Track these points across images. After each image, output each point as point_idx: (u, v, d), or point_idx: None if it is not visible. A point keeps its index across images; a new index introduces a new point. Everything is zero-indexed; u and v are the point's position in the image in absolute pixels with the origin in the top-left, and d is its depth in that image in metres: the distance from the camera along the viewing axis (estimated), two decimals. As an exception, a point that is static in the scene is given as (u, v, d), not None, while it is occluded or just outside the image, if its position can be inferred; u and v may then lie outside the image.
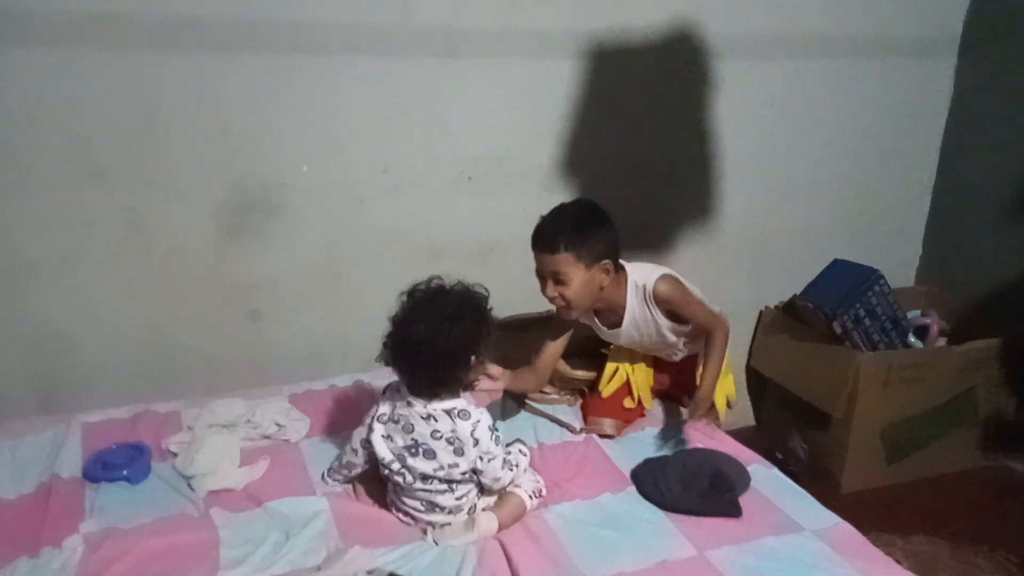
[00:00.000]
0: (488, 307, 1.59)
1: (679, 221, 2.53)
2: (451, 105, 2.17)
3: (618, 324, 1.89)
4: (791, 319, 2.54)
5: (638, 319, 1.87)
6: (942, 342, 2.57)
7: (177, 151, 1.98)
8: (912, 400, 2.38)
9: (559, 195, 2.35)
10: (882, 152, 2.71)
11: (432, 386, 1.55)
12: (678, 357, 2.03)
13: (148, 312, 2.09)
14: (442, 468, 1.55)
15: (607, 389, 2.00)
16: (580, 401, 2.07)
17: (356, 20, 2.01)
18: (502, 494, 1.63)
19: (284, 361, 2.24)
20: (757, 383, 2.72)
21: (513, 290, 2.41)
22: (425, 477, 1.56)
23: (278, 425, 1.89)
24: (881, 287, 2.30)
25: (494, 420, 1.60)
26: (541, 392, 2.06)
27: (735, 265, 2.62)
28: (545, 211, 2.36)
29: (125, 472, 1.70)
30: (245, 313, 2.18)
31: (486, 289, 1.61)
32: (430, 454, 1.55)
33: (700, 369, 1.91)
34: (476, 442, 1.54)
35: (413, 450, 1.56)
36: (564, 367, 2.04)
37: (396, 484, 1.61)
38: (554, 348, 1.95)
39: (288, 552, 1.49)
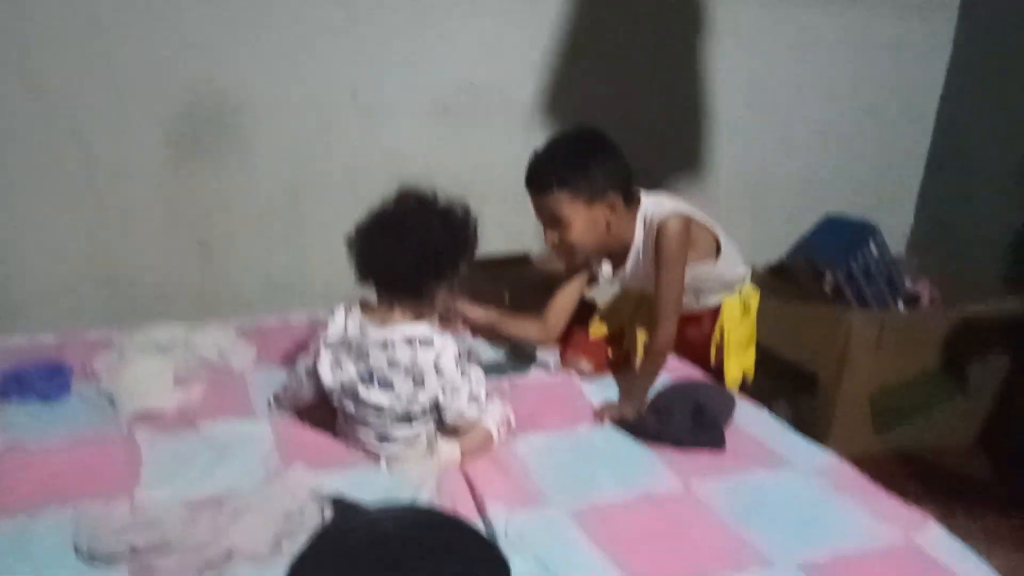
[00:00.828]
0: (476, 234, 1.42)
1: (670, 171, 2.41)
2: (430, 28, 2.03)
3: (620, 265, 1.67)
4: (780, 280, 2.41)
5: (642, 260, 1.64)
6: (933, 313, 2.46)
7: (123, 60, 1.82)
8: (904, 366, 2.26)
9: (542, 133, 2.22)
10: (879, 115, 2.63)
11: (394, 293, 1.37)
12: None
13: (87, 235, 1.92)
14: (399, 400, 1.37)
15: (594, 331, 1.82)
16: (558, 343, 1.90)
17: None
18: (466, 424, 1.45)
19: (236, 297, 2.07)
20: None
21: (491, 234, 2.26)
22: (379, 410, 1.38)
23: (221, 351, 1.70)
24: (877, 242, 2.18)
25: (458, 349, 1.40)
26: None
27: (727, 221, 2.49)
28: (526, 150, 2.23)
29: (41, 390, 1.50)
30: (195, 242, 2.01)
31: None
32: (386, 384, 1.37)
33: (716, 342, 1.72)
34: (439, 372, 1.36)
35: (367, 379, 1.38)
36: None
37: (347, 414, 1.43)
38: (566, 297, 1.71)
39: (220, 474, 1.31)
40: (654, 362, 1.65)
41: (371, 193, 2.08)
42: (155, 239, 1.96)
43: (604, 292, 1.89)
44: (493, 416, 1.46)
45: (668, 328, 1.62)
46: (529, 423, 1.52)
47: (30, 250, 1.88)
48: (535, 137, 2.22)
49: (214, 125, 1.93)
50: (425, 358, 1.35)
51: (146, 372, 1.55)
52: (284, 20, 1.90)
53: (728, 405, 1.55)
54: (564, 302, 1.72)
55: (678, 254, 1.59)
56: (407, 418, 1.39)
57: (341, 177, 2.07)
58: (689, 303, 1.75)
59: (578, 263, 1.69)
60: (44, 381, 1.51)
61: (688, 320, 1.79)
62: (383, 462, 1.39)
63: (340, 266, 2.15)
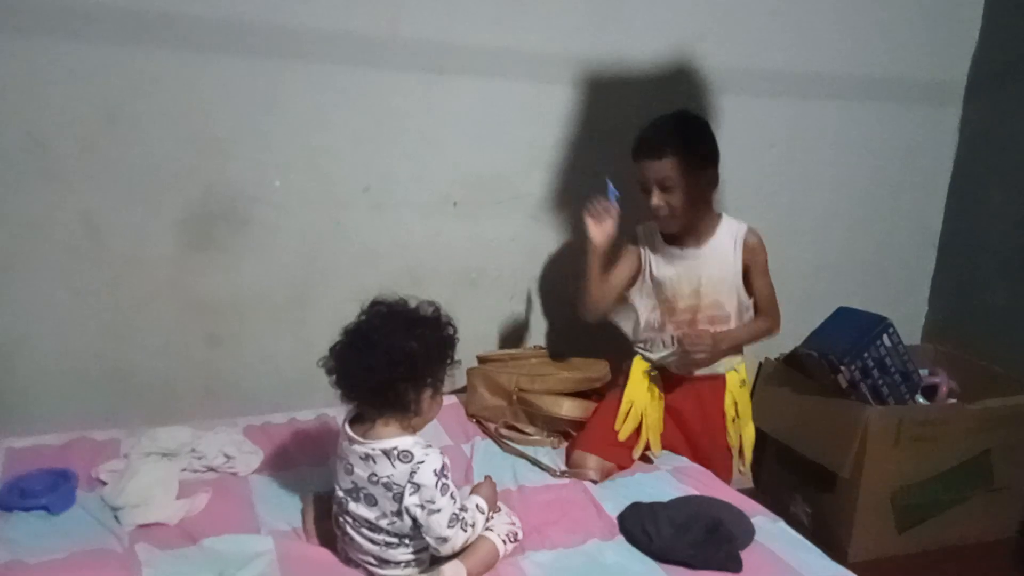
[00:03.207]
0: (454, 333, 1.40)
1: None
2: (438, 123, 2.06)
3: (696, 246, 1.83)
4: (793, 371, 2.38)
5: (723, 254, 1.82)
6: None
7: (140, 153, 1.84)
8: (924, 461, 2.20)
9: (550, 225, 2.24)
10: (888, 201, 2.61)
11: (375, 407, 1.34)
12: (705, 364, 1.85)
13: (96, 328, 1.91)
14: (385, 516, 1.33)
15: (623, 431, 1.80)
16: (565, 444, 1.87)
17: (342, 28, 1.91)
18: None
19: (243, 391, 2.05)
20: (756, 441, 2.53)
21: (497, 323, 2.26)
22: (371, 526, 1.34)
23: (227, 456, 1.69)
24: (891, 336, 2.15)
25: (443, 464, 1.33)
26: (522, 432, 1.88)
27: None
28: (534, 241, 2.25)
29: (44, 501, 1.49)
30: (204, 336, 2.01)
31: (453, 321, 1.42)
32: (371, 500, 1.33)
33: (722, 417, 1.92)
34: (416, 488, 1.30)
35: (354, 495, 1.35)
36: (551, 404, 1.86)
37: (344, 532, 1.39)
38: (618, 279, 1.88)
39: (220, 597, 1.28)
40: (757, 330, 1.88)
41: (379, 286, 2.09)
42: (165, 333, 1.97)
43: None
44: (499, 530, 1.43)
45: (774, 317, 1.88)
46: (536, 536, 1.49)
47: (40, 342, 1.88)
48: (543, 228, 2.25)
49: (227, 220, 1.95)
50: (401, 471, 1.31)
51: (151, 481, 1.52)
52: (299, 122, 1.95)
53: (747, 532, 1.50)
54: (619, 279, 1.87)
55: (766, 260, 1.86)
56: (399, 538, 1.35)
57: (351, 270, 2.08)
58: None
59: (673, 230, 1.82)
60: (49, 493, 1.49)
61: (689, 401, 1.90)
62: (384, 586, 1.35)
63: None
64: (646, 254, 1.88)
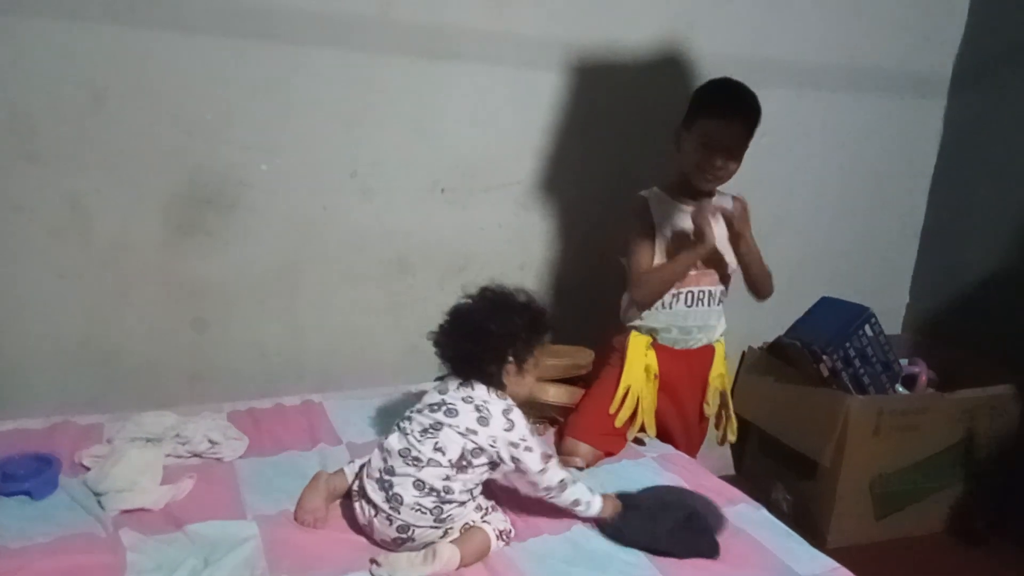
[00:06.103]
0: (541, 318, 1.52)
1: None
2: (428, 109, 2.04)
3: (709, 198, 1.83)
4: (776, 360, 2.40)
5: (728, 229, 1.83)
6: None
7: (125, 135, 1.82)
8: (903, 450, 2.23)
9: (538, 213, 2.24)
10: (873, 192, 2.64)
11: (463, 375, 1.50)
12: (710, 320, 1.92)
13: (81, 312, 1.90)
14: (443, 457, 1.40)
15: (620, 417, 1.81)
16: (551, 430, 1.88)
17: (331, 9, 1.89)
18: (466, 528, 1.42)
19: (230, 376, 2.05)
20: (739, 429, 2.55)
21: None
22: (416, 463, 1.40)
23: (211, 442, 1.68)
24: (872, 326, 2.18)
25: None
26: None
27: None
28: (524, 229, 2.24)
29: (26, 485, 1.47)
30: (190, 320, 1.99)
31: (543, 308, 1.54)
32: (434, 441, 1.42)
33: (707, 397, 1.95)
34: (512, 425, 1.45)
35: (418, 436, 1.44)
36: (537, 390, 1.86)
37: (375, 495, 1.41)
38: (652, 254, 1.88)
39: (206, 582, 1.28)
40: (766, 277, 1.93)
41: (367, 270, 2.11)
42: (151, 317, 1.95)
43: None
44: (495, 524, 1.44)
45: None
46: (522, 523, 1.50)
47: (24, 325, 1.86)
48: (531, 216, 2.25)
49: (214, 203, 1.93)
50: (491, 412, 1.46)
51: (135, 467, 1.51)
52: (287, 105, 1.93)
53: (720, 520, 1.52)
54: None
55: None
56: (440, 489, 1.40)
57: (338, 255, 2.07)
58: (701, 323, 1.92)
59: (711, 188, 1.84)
60: (32, 478, 1.48)
61: (695, 353, 1.92)
62: (381, 566, 1.35)
63: (335, 343, 2.16)
64: (658, 216, 1.85)
